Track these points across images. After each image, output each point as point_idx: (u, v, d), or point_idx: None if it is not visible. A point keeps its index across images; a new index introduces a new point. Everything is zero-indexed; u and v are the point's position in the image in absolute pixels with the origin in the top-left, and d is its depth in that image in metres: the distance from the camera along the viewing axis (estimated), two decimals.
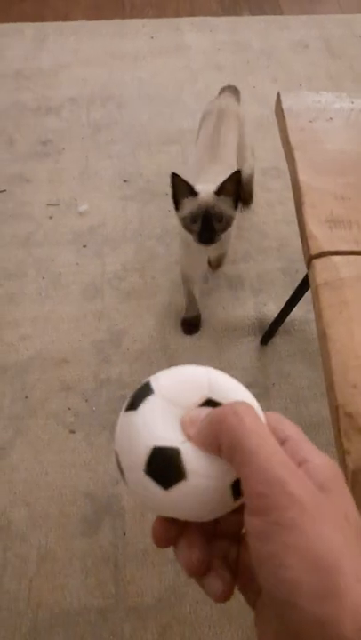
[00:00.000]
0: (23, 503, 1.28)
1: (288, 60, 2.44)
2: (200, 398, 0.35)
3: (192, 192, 1.21)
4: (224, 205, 1.21)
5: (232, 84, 1.67)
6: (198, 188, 1.21)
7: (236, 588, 0.34)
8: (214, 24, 2.63)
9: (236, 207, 1.24)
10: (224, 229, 1.24)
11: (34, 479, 1.32)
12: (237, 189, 1.21)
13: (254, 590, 0.33)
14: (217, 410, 0.32)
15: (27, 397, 1.45)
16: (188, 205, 1.22)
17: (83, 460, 1.35)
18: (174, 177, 1.19)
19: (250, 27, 2.62)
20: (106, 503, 1.28)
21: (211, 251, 1.41)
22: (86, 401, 1.45)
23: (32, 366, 1.51)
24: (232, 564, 0.35)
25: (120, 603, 1.16)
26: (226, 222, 1.23)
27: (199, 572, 0.33)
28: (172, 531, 0.35)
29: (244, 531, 0.35)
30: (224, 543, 0.35)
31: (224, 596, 0.33)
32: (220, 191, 1.20)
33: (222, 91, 1.64)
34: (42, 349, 1.54)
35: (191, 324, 1.57)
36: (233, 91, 1.64)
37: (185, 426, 0.33)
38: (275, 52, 2.47)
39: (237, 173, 1.18)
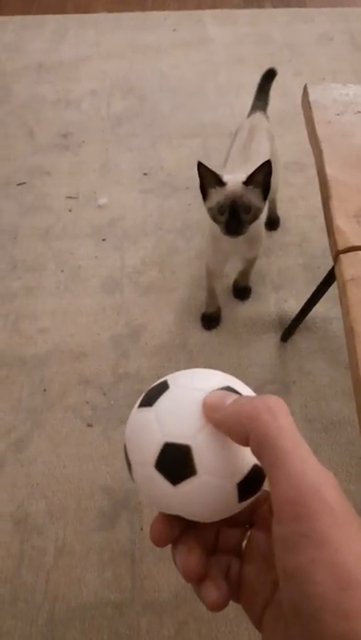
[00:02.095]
0: (41, 496, 1.28)
1: (312, 53, 2.40)
2: (218, 385, 0.35)
3: (219, 182, 1.17)
4: (252, 196, 1.17)
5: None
6: (226, 177, 1.18)
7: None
8: (236, 16, 2.61)
9: (265, 199, 1.20)
10: (252, 221, 1.21)
11: (52, 472, 1.32)
12: (267, 180, 1.17)
13: (258, 605, 0.32)
14: (247, 400, 0.32)
15: (45, 390, 1.45)
16: (216, 195, 1.19)
17: (100, 454, 1.34)
18: (200, 166, 1.15)
19: (273, 19, 2.59)
20: (123, 498, 1.28)
21: (240, 247, 1.36)
22: (104, 395, 1.44)
23: (50, 359, 1.51)
24: (233, 578, 0.35)
25: (136, 598, 1.15)
26: (254, 214, 1.20)
27: (196, 578, 0.33)
28: (172, 530, 0.35)
29: (244, 546, 0.36)
30: (224, 558, 0.35)
31: (218, 605, 0.33)
32: (249, 181, 1.16)
33: (252, 111, 1.60)
34: (60, 342, 1.54)
35: (211, 319, 1.56)
36: (263, 111, 1.59)
37: (207, 407, 0.33)
38: (298, 46, 2.44)
39: (268, 164, 1.14)
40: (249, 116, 1.56)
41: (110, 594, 1.16)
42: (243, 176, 1.17)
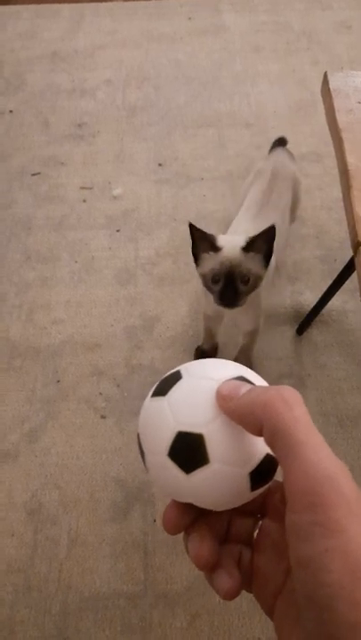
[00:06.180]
0: (54, 486, 1.29)
1: (330, 41, 2.36)
2: (232, 375, 0.35)
3: (214, 246, 1.03)
4: (252, 264, 1.03)
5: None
6: (222, 241, 1.04)
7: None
8: (254, 4, 2.56)
9: (266, 265, 1.06)
10: (250, 291, 1.06)
11: (65, 463, 1.32)
12: (270, 247, 1.03)
13: (270, 593, 0.33)
14: (261, 390, 0.32)
15: (58, 381, 1.45)
16: (210, 262, 1.04)
17: (114, 445, 1.34)
18: (192, 227, 1.02)
19: (290, 7, 2.55)
20: (136, 490, 1.28)
21: (234, 314, 1.21)
22: (118, 386, 1.44)
23: (64, 350, 1.51)
24: (245, 567, 0.35)
25: (149, 589, 1.15)
26: (253, 283, 1.05)
27: (208, 566, 0.34)
28: (184, 518, 0.35)
29: (255, 536, 0.36)
30: (236, 547, 0.36)
31: (231, 593, 0.33)
32: (249, 247, 1.02)
33: (274, 147, 1.51)
34: (74, 333, 1.54)
35: (205, 354, 1.43)
36: (286, 150, 1.49)
37: (220, 397, 0.33)
38: (316, 34, 2.40)
39: (272, 229, 1.01)
40: (270, 152, 1.49)
41: (123, 585, 1.16)
42: (241, 239, 1.03)
